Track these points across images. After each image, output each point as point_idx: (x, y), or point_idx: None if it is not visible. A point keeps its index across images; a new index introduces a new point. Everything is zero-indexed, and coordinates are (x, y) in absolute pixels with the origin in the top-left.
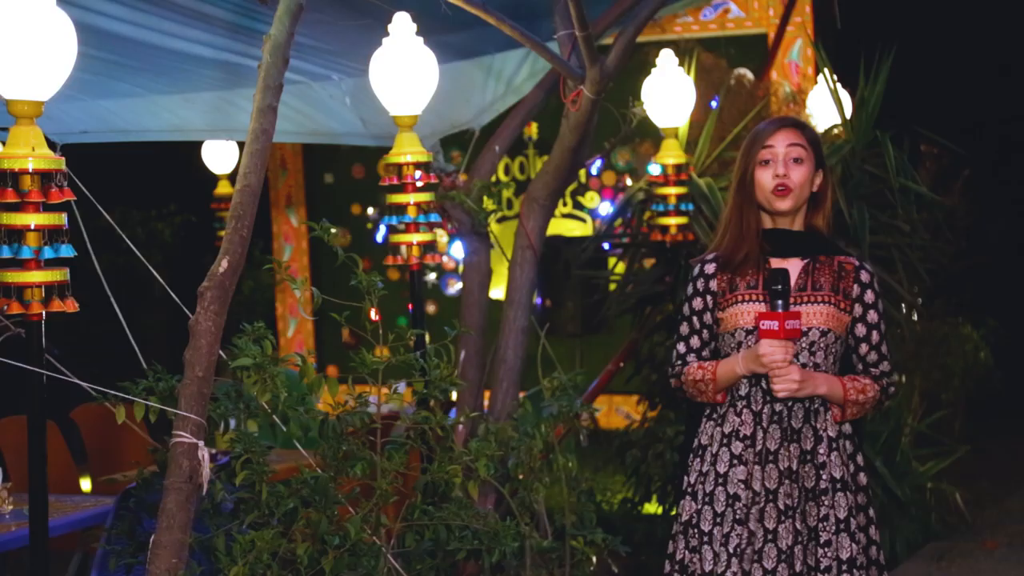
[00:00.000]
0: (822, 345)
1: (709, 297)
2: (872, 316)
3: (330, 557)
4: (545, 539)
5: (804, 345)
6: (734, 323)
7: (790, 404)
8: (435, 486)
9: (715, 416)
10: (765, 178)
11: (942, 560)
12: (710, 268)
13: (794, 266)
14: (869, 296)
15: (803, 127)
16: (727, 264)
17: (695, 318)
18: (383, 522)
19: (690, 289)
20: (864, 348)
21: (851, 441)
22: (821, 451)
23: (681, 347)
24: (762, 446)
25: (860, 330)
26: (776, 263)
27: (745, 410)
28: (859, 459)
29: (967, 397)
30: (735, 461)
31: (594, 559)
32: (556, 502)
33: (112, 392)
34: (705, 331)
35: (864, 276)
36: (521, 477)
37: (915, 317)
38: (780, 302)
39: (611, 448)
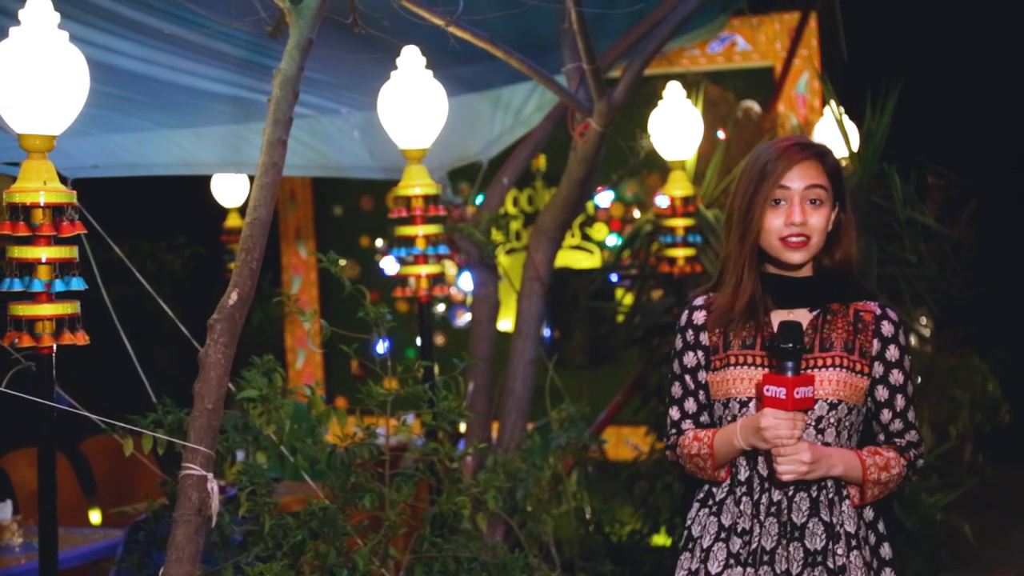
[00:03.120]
0: (832, 420)
1: (702, 352)
2: (896, 377)
3: None
4: (554, 571)
5: (810, 421)
6: (725, 391)
7: (791, 492)
8: (444, 517)
9: (711, 503)
10: (775, 223)
11: None
12: (700, 317)
13: (800, 319)
14: (893, 352)
15: (824, 157)
16: (720, 315)
17: (688, 377)
18: (392, 554)
19: (679, 342)
20: (887, 415)
21: (874, 531)
22: (839, 552)
23: (674, 412)
24: (757, 544)
25: (881, 393)
26: (778, 315)
27: (745, 499)
28: (884, 551)
29: (975, 428)
30: (731, 561)
31: None
32: (564, 533)
33: (121, 424)
34: (702, 392)
35: (886, 328)
36: (530, 509)
37: (925, 348)
38: (791, 364)
39: (619, 479)
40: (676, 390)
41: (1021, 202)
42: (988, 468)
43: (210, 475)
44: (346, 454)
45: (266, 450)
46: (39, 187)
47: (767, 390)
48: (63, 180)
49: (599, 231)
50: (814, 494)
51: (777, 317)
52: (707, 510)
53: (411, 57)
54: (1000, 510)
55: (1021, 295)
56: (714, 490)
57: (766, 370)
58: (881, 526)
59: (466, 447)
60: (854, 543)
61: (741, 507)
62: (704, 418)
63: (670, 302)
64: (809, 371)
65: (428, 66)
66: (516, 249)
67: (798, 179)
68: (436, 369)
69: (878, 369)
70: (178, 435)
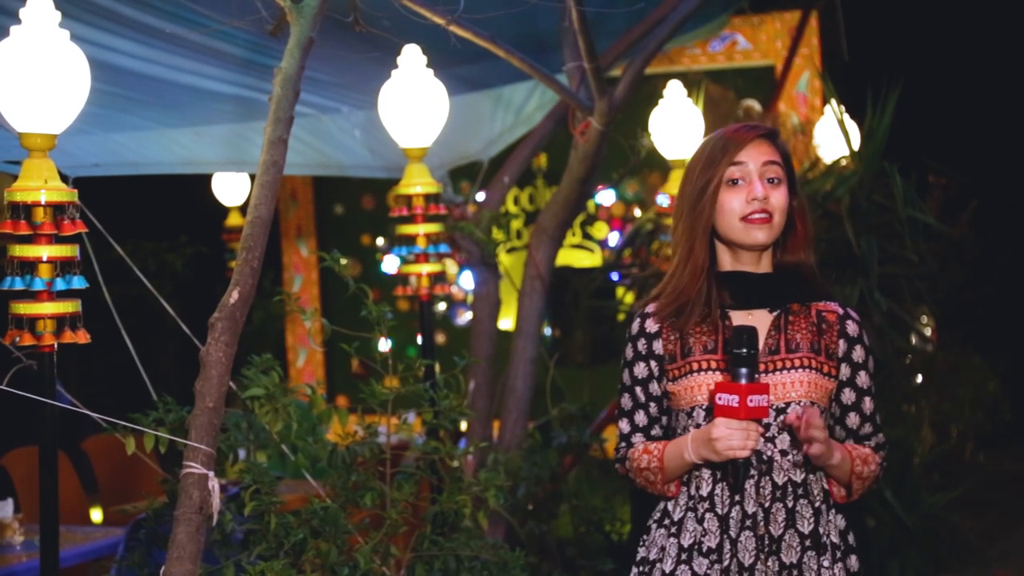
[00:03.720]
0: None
1: (654, 362)
2: (863, 379)
3: None
4: (554, 569)
5: (783, 426)
6: (689, 399)
7: (767, 504)
8: (445, 516)
9: (667, 522)
10: (735, 202)
11: None
12: (652, 325)
13: (761, 320)
14: (859, 353)
15: (776, 138)
16: (674, 319)
17: (639, 389)
18: (393, 552)
19: (629, 352)
20: (854, 418)
21: (844, 542)
22: (814, 566)
23: (624, 425)
24: (731, 561)
25: (848, 396)
26: (737, 317)
27: (708, 515)
28: (852, 563)
29: (976, 427)
30: None
31: None
32: (565, 532)
33: (122, 423)
34: (653, 404)
35: (851, 328)
36: (530, 507)
37: (926, 347)
38: (745, 370)
39: (620, 478)
40: (626, 402)
41: (1022, 201)
42: (989, 467)
43: (211, 473)
44: (347, 453)
45: (267, 449)
46: (40, 186)
47: (719, 398)
48: (64, 179)
49: (600, 230)
50: (791, 504)
51: (737, 319)
52: (664, 531)
53: (412, 56)
54: (1001, 509)
55: (1021, 294)
56: (670, 508)
57: (723, 372)
58: (851, 537)
59: (467, 446)
60: (838, 554)
61: (705, 524)
62: (655, 431)
63: None
64: (777, 373)
65: (429, 65)
66: (517, 248)
67: (755, 156)
68: (437, 368)
69: (845, 371)
70: (179, 433)
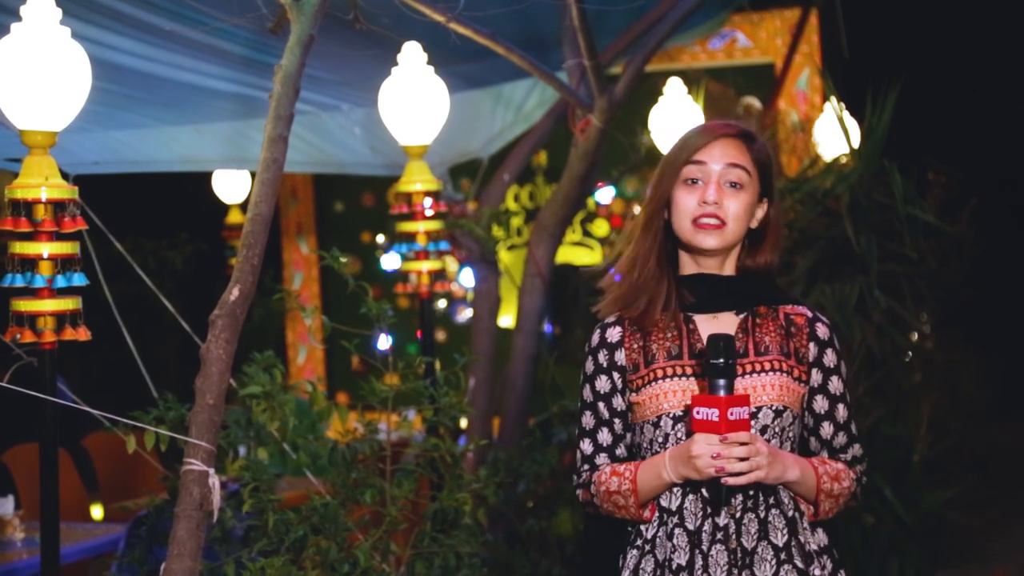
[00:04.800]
0: (776, 430)
1: (616, 374)
2: (835, 385)
3: None
4: (554, 566)
5: (753, 431)
6: (655, 408)
7: (738, 514)
8: (444, 513)
9: (639, 542)
10: (688, 202)
11: None
12: (614, 334)
13: (727, 323)
14: (830, 358)
15: (750, 140)
16: (636, 326)
17: (601, 404)
18: (392, 549)
19: (589, 365)
20: (828, 428)
21: (830, 557)
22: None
23: (586, 446)
24: None
25: (820, 404)
26: (701, 320)
27: (678, 530)
28: None
29: (976, 425)
30: None
31: None
32: (565, 529)
33: (123, 420)
34: (617, 421)
35: (821, 331)
36: (530, 505)
37: (926, 345)
38: (723, 382)
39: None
40: (587, 420)
41: (1022, 199)
42: (988, 464)
43: (211, 471)
44: (347, 450)
45: (267, 446)
46: (41, 183)
47: (697, 412)
48: (65, 176)
49: (600, 227)
50: (762, 514)
51: (702, 322)
52: (637, 551)
53: (412, 53)
54: (1000, 506)
55: (1021, 292)
56: (642, 528)
57: (698, 379)
58: (836, 552)
59: (467, 443)
60: (819, 561)
61: (675, 540)
62: (620, 451)
63: None
64: (747, 377)
65: (429, 62)
66: (517, 245)
67: (718, 157)
68: (437, 365)
69: (816, 377)
70: (179, 431)
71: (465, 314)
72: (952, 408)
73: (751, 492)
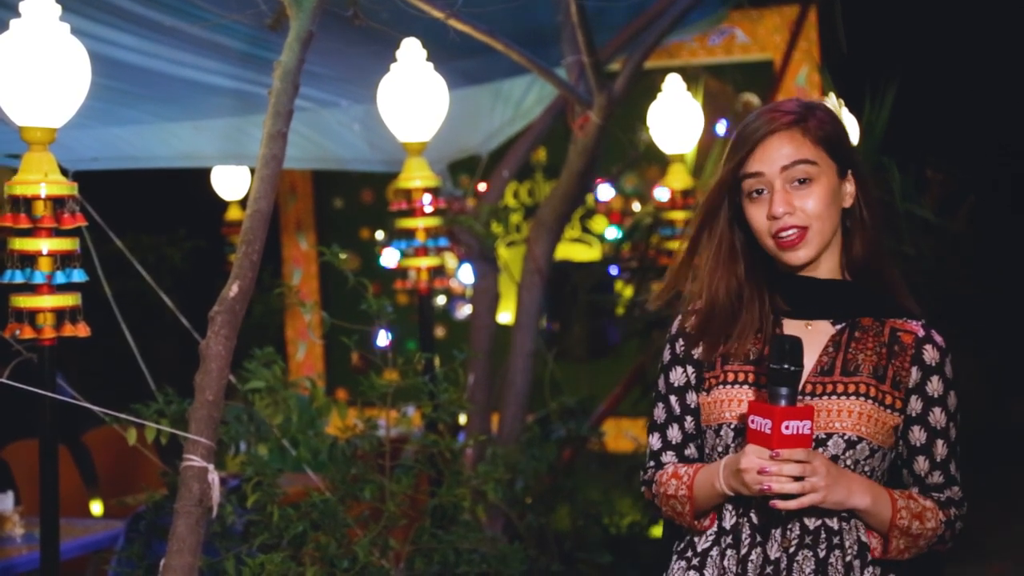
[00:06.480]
0: (848, 462)
1: (692, 368)
2: (938, 417)
3: None
4: (553, 562)
5: None
6: (718, 415)
7: (793, 550)
8: (444, 509)
9: (689, 554)
10: (759, 220)
11: None
12: (692, 323)
13: (820, 333)
14: (936, 386)
15: (806, 120)
16: (715, 325)
17: (674, 398)
18: (392, 545)
19: (667, 354)
20: (923, 464)
21: None
22: None
23: (655, 441)
24: None
25: (917, 436)
26: (792, 327)
27: (730, 551)
28: None
29: (975, 421)
30: None
31: None
32: (563, 525)
33: (123, 416)
34: (689, 418)
35: (929, 354)
36: (529, 500)
37: None
38: (784, 390)
39: (618, 471)
40: (659, 413)
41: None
42: (988, 460)
43: (211, 466)
44: (347, 446)
45: (267, 441)
46: (40, 179)
47: (751, 421)
48: (64, 172)
49: (599, 224)
50: (822, 554)
51: (791, 328)
52: (685, 562)
53: (411, 50)
54: (999, 503)
55: (1020, 290)
56: (696, 539)
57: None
58: None
59: (466, 439)
60: None
61: (725, 562)
62: (690, 451)
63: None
64: (825, 398)
65: (428, 59)
66: (516, 242)
67: (771, 160)
68: (436, 361)
69: (915, 405)
70: (179, 426)
71: (464, 310)
72: None
73: (812, 527)
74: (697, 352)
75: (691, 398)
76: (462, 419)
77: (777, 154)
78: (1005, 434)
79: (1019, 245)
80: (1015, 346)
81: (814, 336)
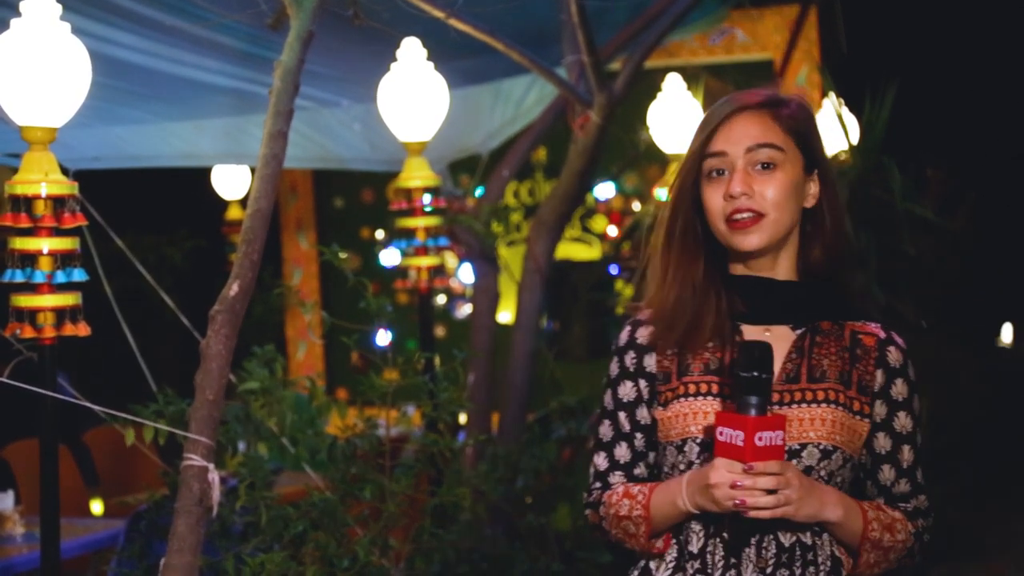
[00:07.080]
0: (823, 474)
1: (644, 382)
2: (903, 421)
3: None
4: (553, 561)
5: None
6: (681, 429)
7: (770, 570)
8: (444, 508)
9: None
10: (715, 200)
11: None
12: (644, 334)
13: (780, 338)
14: (900, 388)
15: (778, 107)
16: (672, 332)
17: (623, 414)
18: (392, 545)
19: (614, 367)
20: (888, 472)
21: None
22: None
23: (600, 460)
24: None
25: (882, 443)
26: (751, 333)
27: None
28: None
29: (974, 421)
30: None
31: None
32: (564, 524)
33: (122, 415)
34: (639, 436)
35: (892, 356)
36: (529, 500)
37: (926, 341)
38: (755, 399)
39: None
40: (605, 431)
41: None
42: (987, 460)
43: (211, 466)
44: (347, 445)
45: (267, 441)
46: (41, 179)
47: (720, 433)
48: (64, 172)
49: (599, 223)
50: (797, 571)
51: (750, 334)
52: None
53: (411, 49)
54: (997, 502)
55: (1020, 288)
56: (652, 565)
57: (731, 399)
58: None
59: (466, 438)
60: None
61: None
62: (639, 470)
63: None
64: (795, 407)
65: (428, 58)
66: (516, 241)
67: (737, 139)
68: (436, 361)
69: (880, 410)
70: (179, 426)
71: (464, 310)
72: (950, 404)
73: (787, 544)
74: (651, 363)
75: (642, 414)
76: (462, 418)
77: (743, 134)
78: (1005, 434)
79: (1019, 245)
80: (1015, 346)
81: (775, 342)
